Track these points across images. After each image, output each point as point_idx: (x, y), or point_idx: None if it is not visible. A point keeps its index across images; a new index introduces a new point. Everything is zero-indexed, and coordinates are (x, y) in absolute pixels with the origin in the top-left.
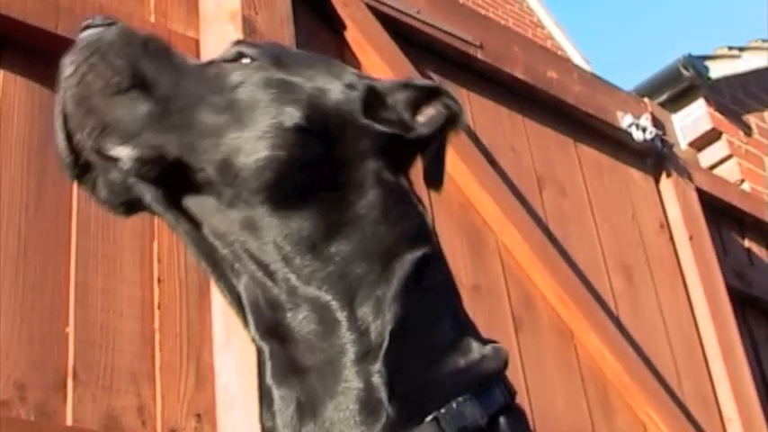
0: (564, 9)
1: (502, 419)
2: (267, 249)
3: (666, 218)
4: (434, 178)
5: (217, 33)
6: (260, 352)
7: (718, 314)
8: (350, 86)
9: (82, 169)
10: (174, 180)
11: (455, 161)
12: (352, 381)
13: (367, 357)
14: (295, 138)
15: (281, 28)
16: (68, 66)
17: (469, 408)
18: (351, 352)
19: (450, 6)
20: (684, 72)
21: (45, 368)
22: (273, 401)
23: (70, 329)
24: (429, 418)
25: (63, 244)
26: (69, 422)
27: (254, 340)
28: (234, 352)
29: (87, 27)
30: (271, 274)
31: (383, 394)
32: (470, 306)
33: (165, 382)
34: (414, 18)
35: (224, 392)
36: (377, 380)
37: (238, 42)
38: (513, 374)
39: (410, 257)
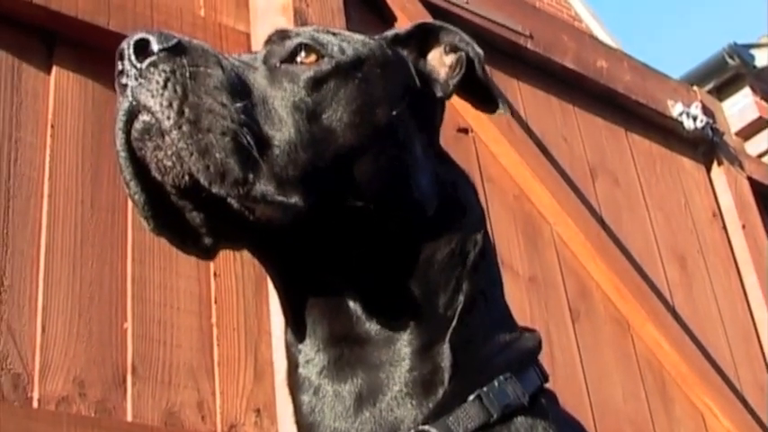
0: (600, 1)
1: (542, 399)
2: (359, 254)
3: (719, 206)
4: (493, 105)
5: (268, 26)
6: (290, 357)
7: None
8: (398, 58)
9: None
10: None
11: (509, 152)
12: (417, 366)
13: (436, 341)
14: (395, 126)
15: (332, 20)
16: (158, 106)
17: (511, 386)
18: (421, 339)
19: None
20: (730, 61)
21: (104, 364)
22: (322, 398)
23: (128, 325)
24: (472, 396)
25: (119, 239)
26: (129, 418)
27: (290, 346)
28: None
29: (143, 49)
30: (356, 280)
31: (446, 374)
32: (527, 297)
33: (223, 376)
34: (463, 8)
35: (283, 386)
36: (442, 361)
37: (281, 32)
38: (572, 366)
39: (479, 234)
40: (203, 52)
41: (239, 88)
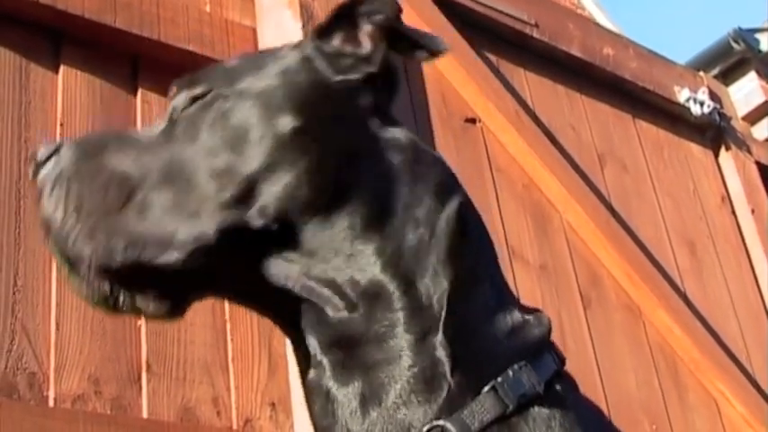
0: None
1: (558, 386)
2: (326, 265)
3: (727, 191)
4: (428, 52)
5: (274, 21)
6: (298, 362)
7: None
8: (306, 60)
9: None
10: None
11: (517, 141)
12: (416, 362)
13: (429, 333)
14: (301, 140)
15: None
16: (51, 210)
17: (525, 375)
18: (413, 333)
19: None
20: (735, 46)
21: (119, 361)
22: (332, 401)
23: (142, 322)
24: (487, 387)
25: None
26: (145, 415)
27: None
28: None
29: (39, 165)
30: (334, 286)
31: (446, 367)
32: (538, 285)
33: (237, 372)
34: None
35: (298, 380)
36: (439, 353)
37: (175, 85)
38: (584, 353)
39: (451, 210)
40: (92, 147)
41: (124, 168)
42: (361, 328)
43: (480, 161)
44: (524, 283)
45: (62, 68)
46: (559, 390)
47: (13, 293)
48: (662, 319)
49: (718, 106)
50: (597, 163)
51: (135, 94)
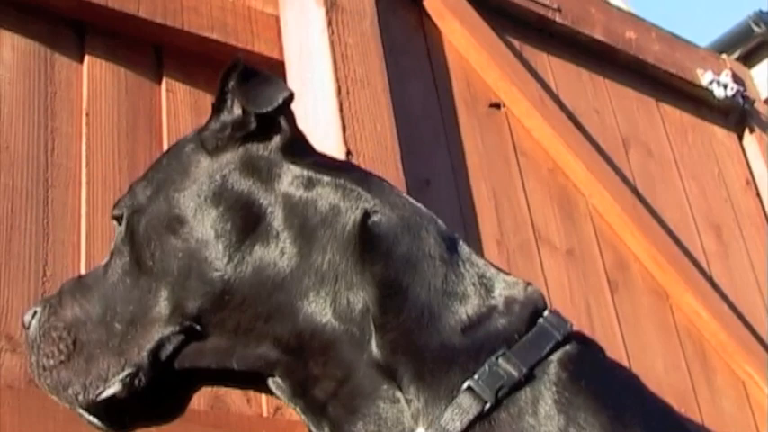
0: None
1: (551, 366)
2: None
3: (752, 174)
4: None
5: (297, 8)
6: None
7: None
8: (197, 147)
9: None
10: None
11: (542, 125)
12: (376, 387)
13: (363, 350)
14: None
15: (361, 1)
16: (34, 369)
17: (504, 364)
18: (353, 356)
19: None
20: (756, 28)
21: None
22: None
23: None
24: (464, 386)
25: None
26: None
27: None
28: None
29: (26, 329)
30: (289, 350)
31: (405, 381)
32: (566, 270)
33: None
34: None
35: None
36: (380, 367)
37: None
38: (612, 338)
39: (351, 221)
40: (53, 305)
41: (71, 319)
42: (306, 373)
43: (505, 146)
44: (551, 269)
45: (87, 58)
46: (557, 363)
47: (42, 283)
48: (689, 302)
49: (741, 89)
50: (621, 147)
51: (159, 84)
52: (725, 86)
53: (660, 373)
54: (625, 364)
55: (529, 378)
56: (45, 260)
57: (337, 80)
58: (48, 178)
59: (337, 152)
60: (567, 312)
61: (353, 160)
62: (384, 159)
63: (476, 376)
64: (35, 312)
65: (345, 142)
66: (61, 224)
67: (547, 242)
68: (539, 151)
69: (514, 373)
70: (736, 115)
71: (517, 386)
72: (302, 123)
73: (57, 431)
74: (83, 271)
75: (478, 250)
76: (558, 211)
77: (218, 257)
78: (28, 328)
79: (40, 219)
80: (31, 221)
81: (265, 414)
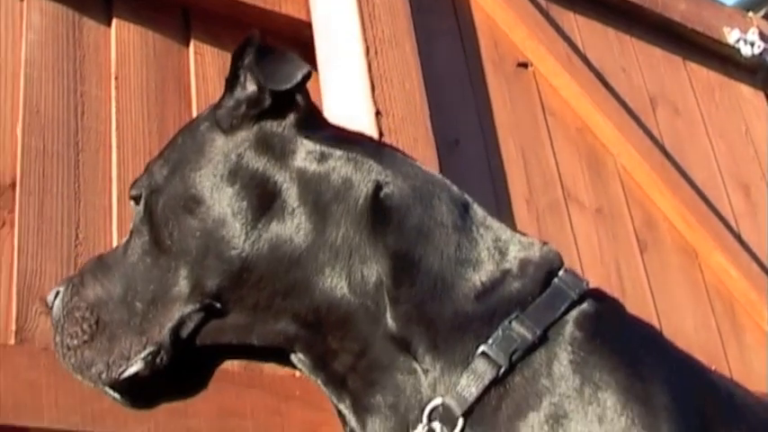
0: None
1: (566, 326)
2: (295, 315)
3: None
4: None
5: None
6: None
7: None
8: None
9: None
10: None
11: (569, 84)
12: (395, 360)
13: (378, 323)
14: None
15: None
16: (59, 349)
17: (518, 327)
18: (367, 332)
19: None
20: None
21: None
22: (343, 416)
23: None
24: (478, 352)
25: None
26: None
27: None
28: None
29: (49, 310)
30: (312, 327)
31: (420, 350)
32: (595, 229)
33: None
34: None
35: None
36: (396, 339)
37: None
38: (641, 296)
39: (363, 194)
40: (75, 284)
41: (93, 298)
42: (324, 347)
43: (533, 105)
44: (580, 227)
45: (114, 22)
46: (572, 322)
47: (75, 246)
48: (718, 261)
49: None
50: (649, 106)
51: (187, 46)
52: (752, 44)
53: (689, 332)
54: (655, 323)
55: (543, 340)
56: (77, 223)
57: (365, 40)
58: (78, 142)
59: (367, 112)
60: (596, 271)
61: (383, 120)
62: (413, 119)
63: (489, 341)
64: (58, 292)
65: (375, 102)
66: (92, 187)
67: (576, 201)
68: (567, 110)
69: (528, 335)
70: (764, 73)
71: (531, 348)
72: (331, 84)
73: (92, 392)
74: (114, 233)
75: (508, 210)
76: (586, 169)
77: (235, 236)
78: (51, 308)
79: (72, 182)
80: (63, 185)
81: (298, 374)
